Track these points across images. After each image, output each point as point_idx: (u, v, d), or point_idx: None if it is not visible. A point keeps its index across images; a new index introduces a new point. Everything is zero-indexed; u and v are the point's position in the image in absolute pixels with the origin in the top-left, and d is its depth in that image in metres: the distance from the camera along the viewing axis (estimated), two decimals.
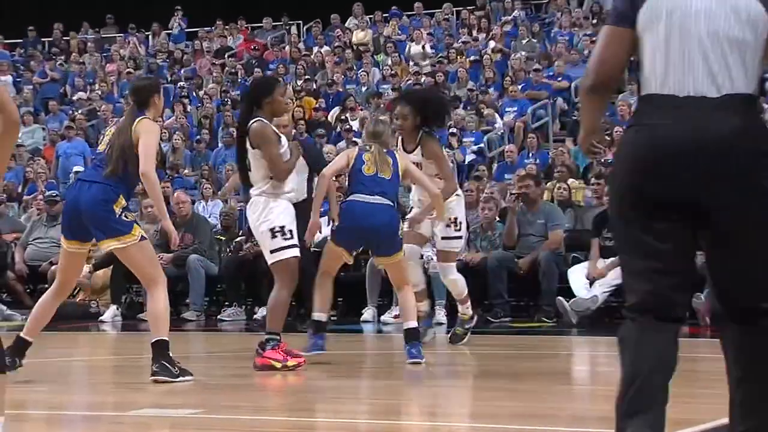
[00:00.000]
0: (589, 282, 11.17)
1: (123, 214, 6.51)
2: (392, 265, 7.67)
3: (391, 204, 7.64)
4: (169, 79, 22.77)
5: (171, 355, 6.54)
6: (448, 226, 8.50)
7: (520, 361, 8.24)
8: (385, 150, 7.71)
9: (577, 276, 11.32)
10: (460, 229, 8.59)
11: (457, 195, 8.57)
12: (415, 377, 7.21)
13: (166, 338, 6.54)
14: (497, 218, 12.12)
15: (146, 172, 6.52)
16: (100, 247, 6.80)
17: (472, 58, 20.60)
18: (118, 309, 12.60)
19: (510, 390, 6.31)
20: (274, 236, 7.14)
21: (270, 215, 7.17)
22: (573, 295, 11.11)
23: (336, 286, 12.25)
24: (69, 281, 6.83)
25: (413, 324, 7.55)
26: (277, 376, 6.96)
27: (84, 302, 13.11)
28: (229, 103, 19.54)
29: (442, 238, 8.59)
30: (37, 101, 22.20)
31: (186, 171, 17.54)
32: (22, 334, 6.68)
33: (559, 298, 11.09)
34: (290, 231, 7.18)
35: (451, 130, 17.19)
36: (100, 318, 12.53)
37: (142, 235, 6.57)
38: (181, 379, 6.52)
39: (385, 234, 7.53)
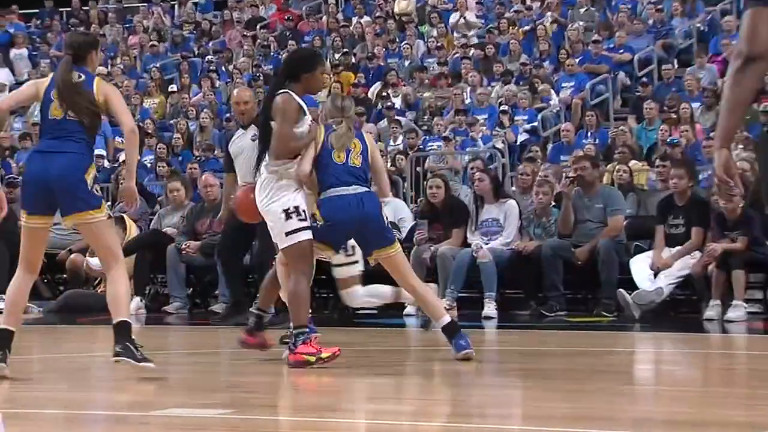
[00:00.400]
0: (653, 273, 11.13)
1: (94, 187, 6.71)
2: (389, 259, 7.47)
3: (370, 189, 7.60)
4: (197, 52, 22.88)
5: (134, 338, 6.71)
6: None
7: (577, 358, 8.22)
8: (353, 130, 7.62)
9: (639, 266, 11.28)
10: (354, 253, 8.11)
11: None
12: (462, 376, 7.21)
13: (129, 320, 6.71)
14: (552, 203, 12.08)
15: (135, 127, 6.84)
16: (65, 222, 6.89)
17: (525, 28, 20.54)
18: (142, 301, 12.70)
19: (566, 390, 6.30)
20: (288, 217, 7.20)
21: (283, 195, 7.23)
22: (635, 287, 11.07)
23: (377, 277, 12.36)
24: (36, 259, 6.94)
25: (447, 319, 7.52)
26: (313, 374, 6.99)
27: (105, 293, 13.20)
28: (261, 78, 19.61)
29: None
30: None
31: (216, 152, 17.63)
32: (2, 325, 6.76)
33: (620, 290, 11.05)
34: (304, 211, 7.26)
35: (502, 108, 17.17)
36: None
37: (108, 213, 6.79)
38: (143, 365, 6.64)
39: (374, 223, 7.42)
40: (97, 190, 6.74)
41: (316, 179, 7.45)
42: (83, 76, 6.78)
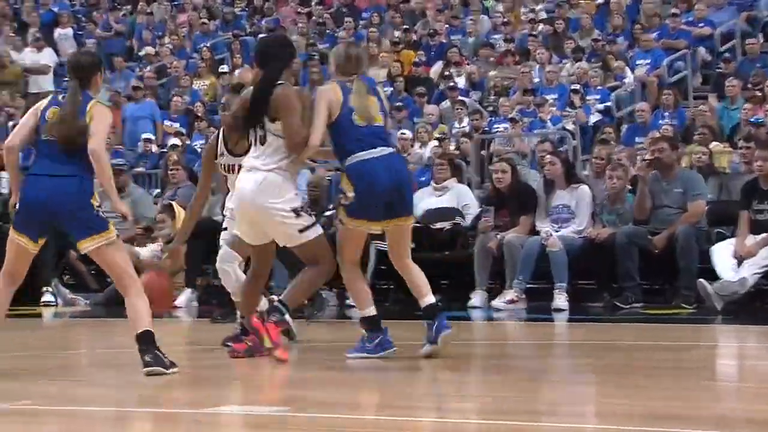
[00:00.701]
0: (737, 261, 11.02)
1: (100, 210, 6.82)
2: (402, 229, 7.45)
3: (395, 151, 7.55)
4: (249, 30, 22.95)
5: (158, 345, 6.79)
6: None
7: (655, 353, 8.17)
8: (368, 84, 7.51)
9: (721, 255, 11.18)
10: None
11: None
12: (532, 371, 7.19)
13: (151, 329, 6.77)
14: (628, 188, 12.01)
15: (97, 149, 6.75)
16: (80, 248, 6.94)
17: (598, 1, 20.41)
18: (193, 293, 12.80)
19: (643, 387, 6.27)
20: (298, 215, 7.22)
21: (289, 195, 7.23)
22: (717, 277, 10.98)
23: (441, 266, 12.35)
24: (22, 273, 7.01)
25: (431, 299, 7.43)
26: (374, 369, 7.00)
27: None
28: (316, 57, 19.63)
29: None
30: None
31: None
32: None
33: (701, 280, 10.96)
34: (308, 207, 7.37)
35: (573, 87, 17.07)
36: (174, 303, 12.73)
37: (117, 234, 6.87)
38: (172, 371, 6.71)
39: (406, 186, 7.42)
40: (101, 212, 6.84)
41: (326, 149, 7.47)
42: (80, 101, 6.90)
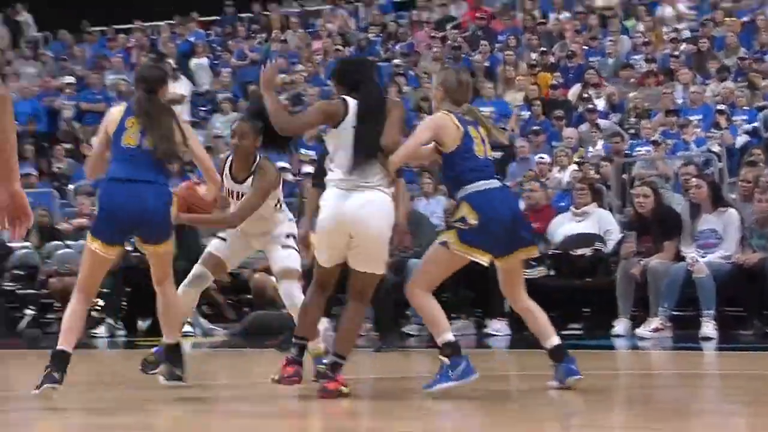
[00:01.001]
0: None
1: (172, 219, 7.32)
2: (521, 263, 7.38)
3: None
4: (383, 56, 23.08)
5: None
6: (287, 236, 8.26)
7: None
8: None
9: None
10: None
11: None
12: (680, 402, 7.08)
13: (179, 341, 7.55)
14: None
15: (217, 176, 7.66)
16: (145, 249, 7.33)
17: (744, 19, 20.08)
18: (330, 323, 12.84)
19: None
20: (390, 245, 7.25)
21: (393, 219, 7.18)
22: None
23: (582, 293, 12.24)
24: (97, 284, 7.40)
25: (556, 340, 7.33)
26: (507, 399, 6.95)
27: (291, 315, 13.40)
28: None
29: (283, 247, 8.28)
30: (235, 86, 22.88)
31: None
32: (64, 347, 7.09)
33: None
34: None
35: (718, 107, 16.82)
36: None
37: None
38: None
39: (522, 221, 7.40)
40: (172, 219, 7.33)
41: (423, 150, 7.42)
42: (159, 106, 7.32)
